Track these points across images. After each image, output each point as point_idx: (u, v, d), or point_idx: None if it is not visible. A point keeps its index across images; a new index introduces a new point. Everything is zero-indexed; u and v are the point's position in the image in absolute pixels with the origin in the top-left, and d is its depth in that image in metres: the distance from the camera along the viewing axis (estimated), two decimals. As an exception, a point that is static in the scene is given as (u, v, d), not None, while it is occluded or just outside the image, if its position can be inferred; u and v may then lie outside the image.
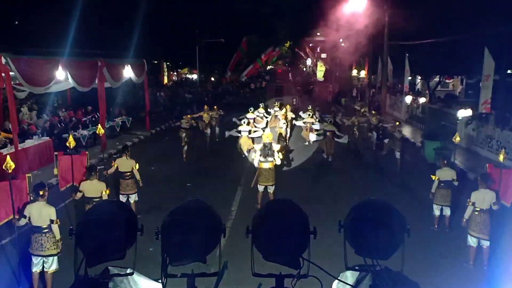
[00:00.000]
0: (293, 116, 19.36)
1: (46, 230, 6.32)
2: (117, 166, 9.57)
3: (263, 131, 13.45)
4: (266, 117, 18.38)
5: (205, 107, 18.76)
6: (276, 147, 10.51)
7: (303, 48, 56.96)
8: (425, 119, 22.90)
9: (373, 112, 19.94)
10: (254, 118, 16.64)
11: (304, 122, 17.58)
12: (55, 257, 6.45)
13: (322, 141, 15.36)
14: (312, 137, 16.51)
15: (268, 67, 43.96)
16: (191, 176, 13.13)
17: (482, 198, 7.39)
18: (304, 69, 64.76)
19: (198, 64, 41.93)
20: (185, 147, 14.87)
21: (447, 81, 36.52)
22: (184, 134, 14.83)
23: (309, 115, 17.50)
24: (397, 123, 15.09)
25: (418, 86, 34.85)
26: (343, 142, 15.11)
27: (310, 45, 56.94)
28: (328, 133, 14.82)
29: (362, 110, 23.14)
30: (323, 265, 1.61)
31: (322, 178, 12.57)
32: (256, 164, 10.33)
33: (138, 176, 9.58)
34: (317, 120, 17.64)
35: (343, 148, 16.02)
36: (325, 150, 14.75)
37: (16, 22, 26.00)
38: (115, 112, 20.88)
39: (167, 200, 9.96)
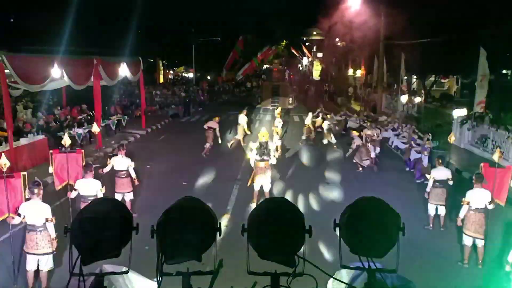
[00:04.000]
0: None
1: (41, 229, 6.30)
2: (112, 165, 9.58)
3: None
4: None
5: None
6: (272, 146, 10.52)
7: (299, 47, 56.98)
8: (421, 118, 22.97)
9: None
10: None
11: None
12: (50, 256, 6.42)
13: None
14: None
15: (264, 66, 43.92)
16: (187, 175, 13.11)
17: (477, 197, 7.42)
18: (301, 68, 64.76)
19: (194, 62, 41.87)
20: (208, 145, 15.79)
21: (442, 80, 36.69)
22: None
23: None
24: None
25: (414, 85, 34.93)
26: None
27: (307, 44, 56.98)
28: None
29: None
30: (319, 263, 1.61)
31: (318, 176, 12.59)
32: (252, 163, 10.35)
33: (133, 175, 9.60)
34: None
35: (338, 148, 16.11)
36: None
37: (12, 20, 25.89)
38: (110, 110, 20.82)
39: (163, 199, 9.87)
